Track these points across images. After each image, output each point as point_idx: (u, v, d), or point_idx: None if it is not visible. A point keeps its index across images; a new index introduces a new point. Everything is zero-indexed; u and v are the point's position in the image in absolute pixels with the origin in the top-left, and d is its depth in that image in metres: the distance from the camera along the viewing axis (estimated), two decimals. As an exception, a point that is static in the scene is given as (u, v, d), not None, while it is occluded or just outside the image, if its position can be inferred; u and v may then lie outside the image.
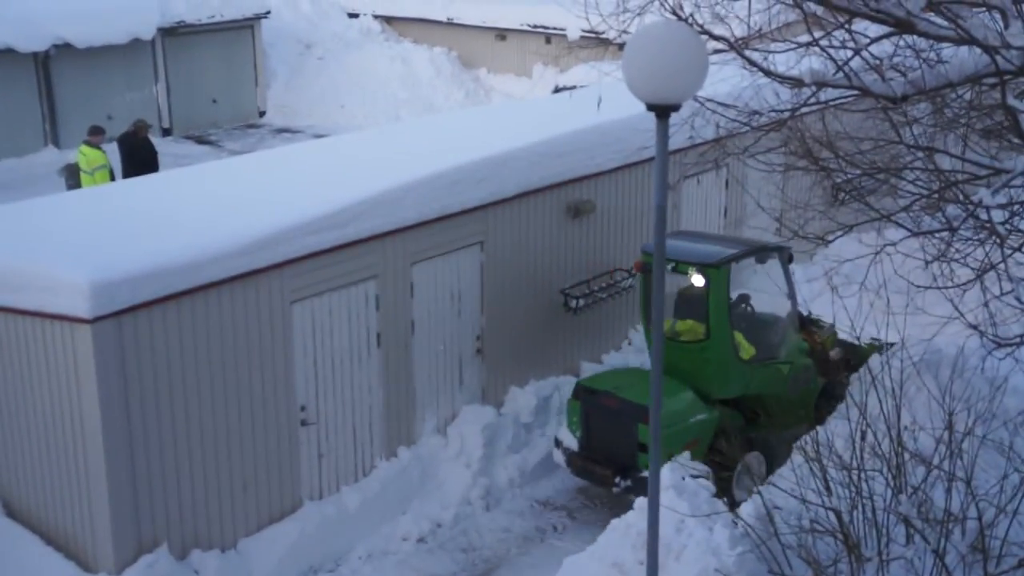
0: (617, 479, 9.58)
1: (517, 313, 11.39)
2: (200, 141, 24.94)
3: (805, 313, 11.03)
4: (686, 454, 9.13)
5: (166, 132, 24.96)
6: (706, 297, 9.91)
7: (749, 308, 10.63)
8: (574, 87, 15.96)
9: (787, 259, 10.56)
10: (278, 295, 9.02)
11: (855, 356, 10.81)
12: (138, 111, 22.61)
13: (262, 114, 27.06)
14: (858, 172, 8.57)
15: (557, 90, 21.02)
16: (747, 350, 10.34)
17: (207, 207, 9.55)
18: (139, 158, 16.74)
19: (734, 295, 10.29)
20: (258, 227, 8.90)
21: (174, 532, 8.54)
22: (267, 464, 9.14)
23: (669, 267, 9.82)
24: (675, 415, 9.70)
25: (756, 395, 10.28)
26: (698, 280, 9.93)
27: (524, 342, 11.50)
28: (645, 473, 9.25)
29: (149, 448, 8.29)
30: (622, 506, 10.08)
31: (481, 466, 10.52)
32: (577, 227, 11.92)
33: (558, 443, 10.46)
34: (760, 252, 10.43)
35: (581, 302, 11.78)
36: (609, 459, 9.64)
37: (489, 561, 9.64)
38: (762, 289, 10.58)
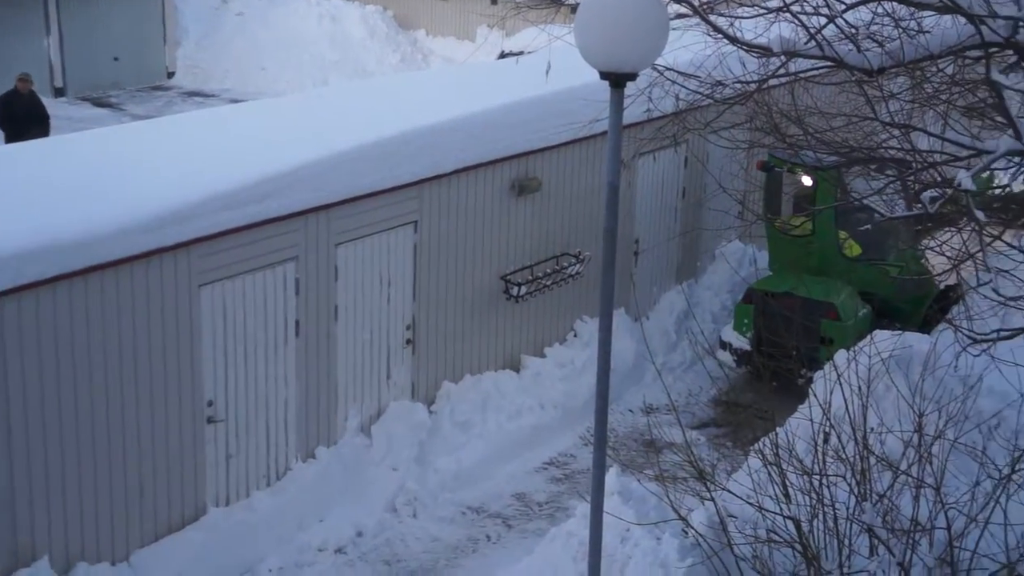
0: (803, 371, 10.61)
1: (453, 300, 11.38)
2: (98, 103, 24.49)
3: None
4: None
5: (59, 92, 24.44)
6: (814, 196, 12.35)
7: (864, 212, 12.09)
8: (521, 52, 15.88)
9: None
10: (184, 277, 8.90)
11: None
12: (25, 67, 22.05)
13: (171, 75, 26.64)
14: (829, 151, 8.68)
15: (503, 55, 21.11)
16: (853, 249, 12.75)
17: (104, 177, 9.37)
18: (24, 118, 16.37)
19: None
20: (163, 201, 8.77)
21: (57, 543, 8.36)
22: (167, 466, 9.02)
23: (785, 169, 12.69)
24: (848, 309, 12.15)
25: (866, 293, 12.53)
26: (807, 180, 12.57)
27: (460, 332, 11.51)
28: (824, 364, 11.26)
29: (31, 447, 8.11)
30: (562, 514, 10.16)
31: (409, 469, 10.51)
32: (521, 207, 11.95)
33: (725, 345, 12.73)
34: (878, 163, 10.77)
35: (524, 289, 11.83)
36: (788, 355, 10.19)
37: (415, 574, 9.64)
38: None
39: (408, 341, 11.01)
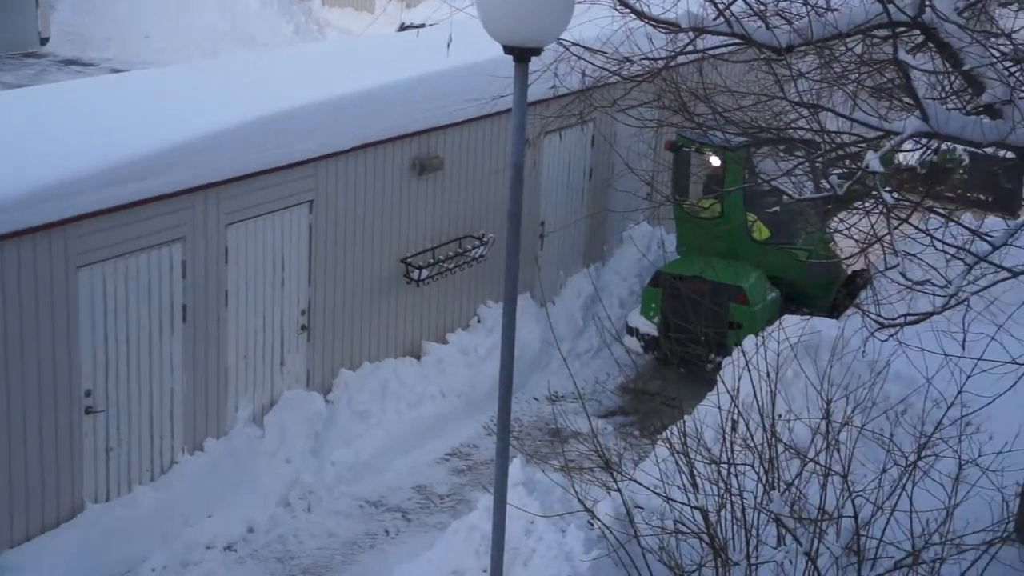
0: (711, 355, 10.84)
1: (350, 284, 11.29)
2: (-36, 71, 23.62)
3: None
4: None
5: (-79, 58, 23.51)
6: (723, 177, 12.56)
7: (773, 194, 12.51)
8: (422, 25, 15.89)
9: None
10: (61, 258, 8.68)
11: None
12: None
13: (44, 41, 25.74)
14: (738, 131, 8.80)
15: (403, 28, 21.01)
16: (761, 232, 13.02)
17: (-29, 148, 9.05)
18: None
19: None
20: (38, 176, 8.54)
21: (-78, 542, 8.09)
22: (41, 459, 8.78)
23: (693, 149, 12.91)
24: (757, 293, 12.46)
25: (774, 278, 12.88)
26: (715, 161, 12.81)
27: (358, 318, 11.43)
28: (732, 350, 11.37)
29: None
30: (464, 507, 10.16)
31: (303, 461, 10.42)
32: (422, 186, 11.89)
33: (632, 330, 12.87)
34: (786, 144, 10.90)
35: (425, 273, 11.79)
36: (696, 340, 10.19)
37: (309, 571, 9.55)
38: None
39: (303, 327, 10.89)
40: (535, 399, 12.60)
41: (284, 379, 10.80)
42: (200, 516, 9.73)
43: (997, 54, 6.56)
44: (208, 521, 9.72)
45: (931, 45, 6.65)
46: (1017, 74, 6.71)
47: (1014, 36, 6.86)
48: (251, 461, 10.24)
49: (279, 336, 10.68)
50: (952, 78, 7.39)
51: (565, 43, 8.31)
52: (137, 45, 25.61)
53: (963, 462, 6.63)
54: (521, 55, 6.00)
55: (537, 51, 6.04)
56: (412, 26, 18.76)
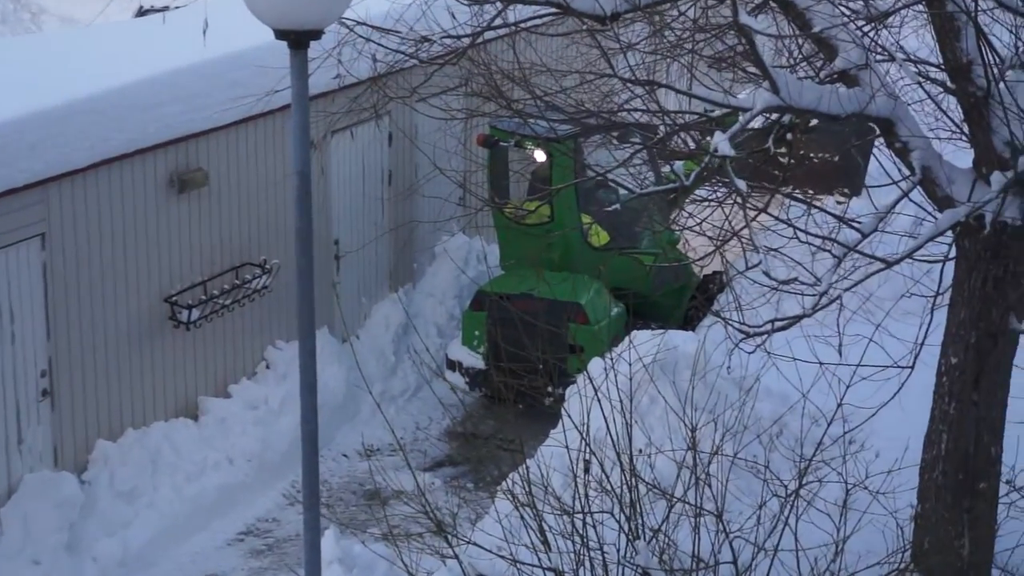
0: (550, 388, 10.72)
1: (103, 334, 11.11)
2: None
3: None
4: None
5: None
6: (549, 174, 12.79)
7: (612, 193, 12.80)
8: (166, 8, 15.70)
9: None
10: None
11: None
12: None
13: None
14: (563, 118, 9.02)
15: (142, 12, 20.77)
16: (599, 236, 13.38)
17: None
18: None
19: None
20: None
21: None
22: None
23: (512, 142, 12.99)
24: (599, 309, 12.77)
25: (617, 289, 13.04)
26: (540, 156, 12.93)
27: (115, 375, 11.26)
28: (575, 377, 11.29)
29: None
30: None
31: (56, 560, 10.16)
32: (184, 207, 11.79)
33: (454, 365, 12.97)
34: (620, 129, 10.99)
35: (196, 313, 11.69)
36: (531, 369, 10.08)
37: None
38: None
39: (44, 392, 10.65)
40: (344, 456, 12.60)
41: (24, 460, 10.51)
42: (-73, 645, 9.37)
43: (848, 13, 6.92)
44: (-63, 650, 9.37)
45: (774, 5, 6.97)
46: (872, 35, 7.09)
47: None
48: (-11, 568, 9.92)
49: (13, 406, 10.40)
50: (801, 42, 7.76)
51: (349, 23, 8.37)
52: None
53: (850, 486, 6.92)
54: (297, 40, 6.01)
55: (316, 34, 6.06)
56: (154, 9, 18.53)
